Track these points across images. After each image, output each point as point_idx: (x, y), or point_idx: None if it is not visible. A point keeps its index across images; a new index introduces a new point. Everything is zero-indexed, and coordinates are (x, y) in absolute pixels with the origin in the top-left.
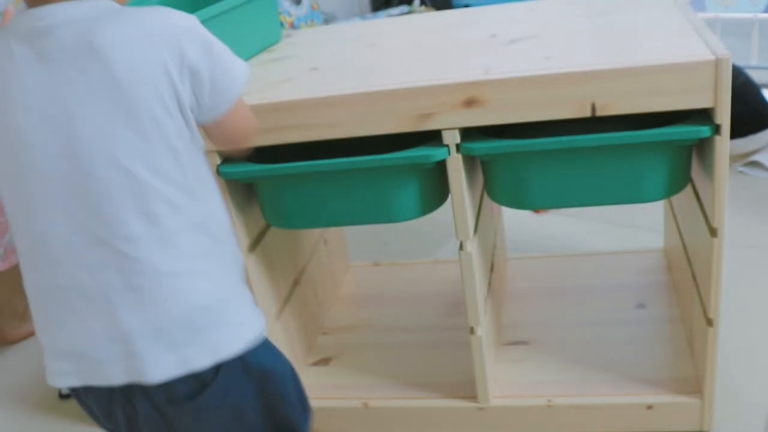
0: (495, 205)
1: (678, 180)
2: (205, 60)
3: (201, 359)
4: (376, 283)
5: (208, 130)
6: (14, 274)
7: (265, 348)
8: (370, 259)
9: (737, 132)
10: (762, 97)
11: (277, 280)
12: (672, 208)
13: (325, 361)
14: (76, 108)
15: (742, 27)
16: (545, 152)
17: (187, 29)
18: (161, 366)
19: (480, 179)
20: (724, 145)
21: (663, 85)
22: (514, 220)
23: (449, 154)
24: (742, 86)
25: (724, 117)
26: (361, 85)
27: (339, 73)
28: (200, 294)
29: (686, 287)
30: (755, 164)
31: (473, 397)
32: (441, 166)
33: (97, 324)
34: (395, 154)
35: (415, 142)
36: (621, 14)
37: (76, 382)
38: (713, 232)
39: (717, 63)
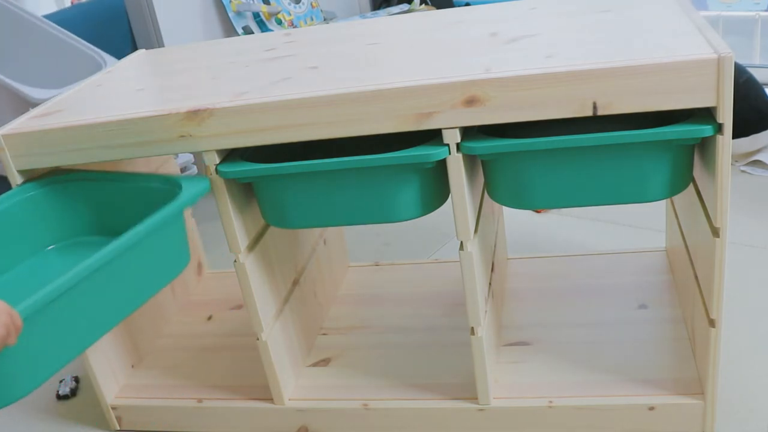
0: (495, 205)
1: (680, 179)
2: None
3: None
4: (376, 283)
5: None
6: None
7: None
8: (370, 259)
9: (740, 131)
10: (765, 96)
11: (277, 281)
12: (674, 208)
13: (324, 362)
14: None
15: (745, 25)
16: (546, 152)
17: None
18: None
19: (480, 179)
20: (726, 144)
21: (665, 83)
22: (514, 220)
23: (449, 153)
24: (745, 85)
25: (726, 116)
26: (361, 84)
27: (339, 71)
28: None
29: (688, 287)
30: (758, 163)
31: (474, 398)
32: (441, 166)
33: None
34: (395, 154)
35: (416, 141)
36: (622, 12)
37: None
38: (715, 232)
39: (719, 62)
